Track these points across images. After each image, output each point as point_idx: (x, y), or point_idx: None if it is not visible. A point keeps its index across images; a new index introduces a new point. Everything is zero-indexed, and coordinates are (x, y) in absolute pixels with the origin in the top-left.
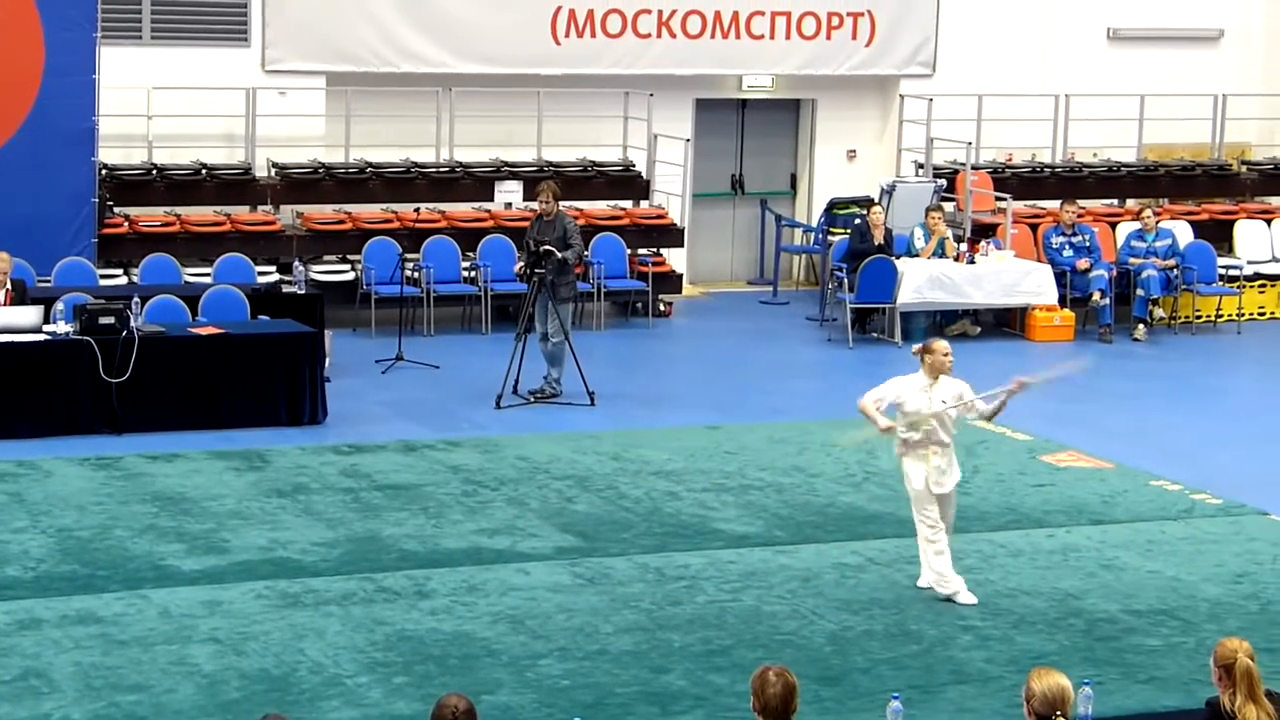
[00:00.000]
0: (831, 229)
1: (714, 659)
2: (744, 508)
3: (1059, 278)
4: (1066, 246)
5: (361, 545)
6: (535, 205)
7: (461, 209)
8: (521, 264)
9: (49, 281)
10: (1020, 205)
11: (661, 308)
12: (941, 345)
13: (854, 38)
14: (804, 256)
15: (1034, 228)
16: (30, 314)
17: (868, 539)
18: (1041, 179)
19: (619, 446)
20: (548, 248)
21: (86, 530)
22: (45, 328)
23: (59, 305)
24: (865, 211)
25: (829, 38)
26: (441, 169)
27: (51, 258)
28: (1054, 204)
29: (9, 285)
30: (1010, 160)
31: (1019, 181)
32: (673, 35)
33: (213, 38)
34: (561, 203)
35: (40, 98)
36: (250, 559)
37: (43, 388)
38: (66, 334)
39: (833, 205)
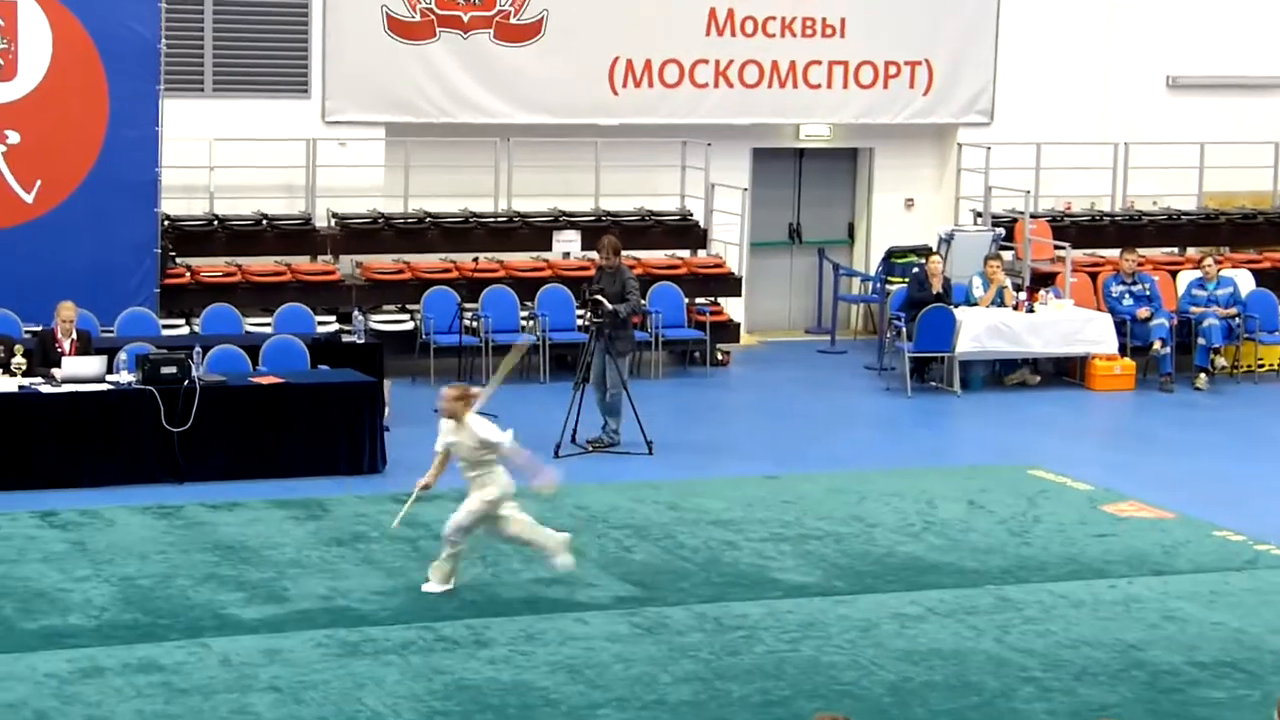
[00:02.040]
0: (890, 278)
1: (773, 709)
2: (802, 557)
3: (1119, 326)
4: (1126, 295)
5: (420, 594)
6: (595, 257)
7: (519, 259)
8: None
9: (112, 331)
10: (1079, 254)
11: (719, 357)
12: (442, 391)
13: (911, 86)
14: (862, 305)
15: (1094, 276)
16: (94, 364)
17: (927, 589)
18: (1101, 227)
19: (677, 496)
20: (596, 297)
21: (148, 579)
22: (109, 377)
23: (122, 355)
24: (924, 260)
25: (886, 87)
26: (500, 219)
27: (115, 308)
28: (1113, 252)
29: (74, 335)
30: (1069, 209)
31: (1078, 230)
32: (730, 85)
33: (273, 89)
34: (620, 253)
35: (104, 150)
36: (310, 607)
37: (106, 437)
38: (129, 384)
39: (891, 254)
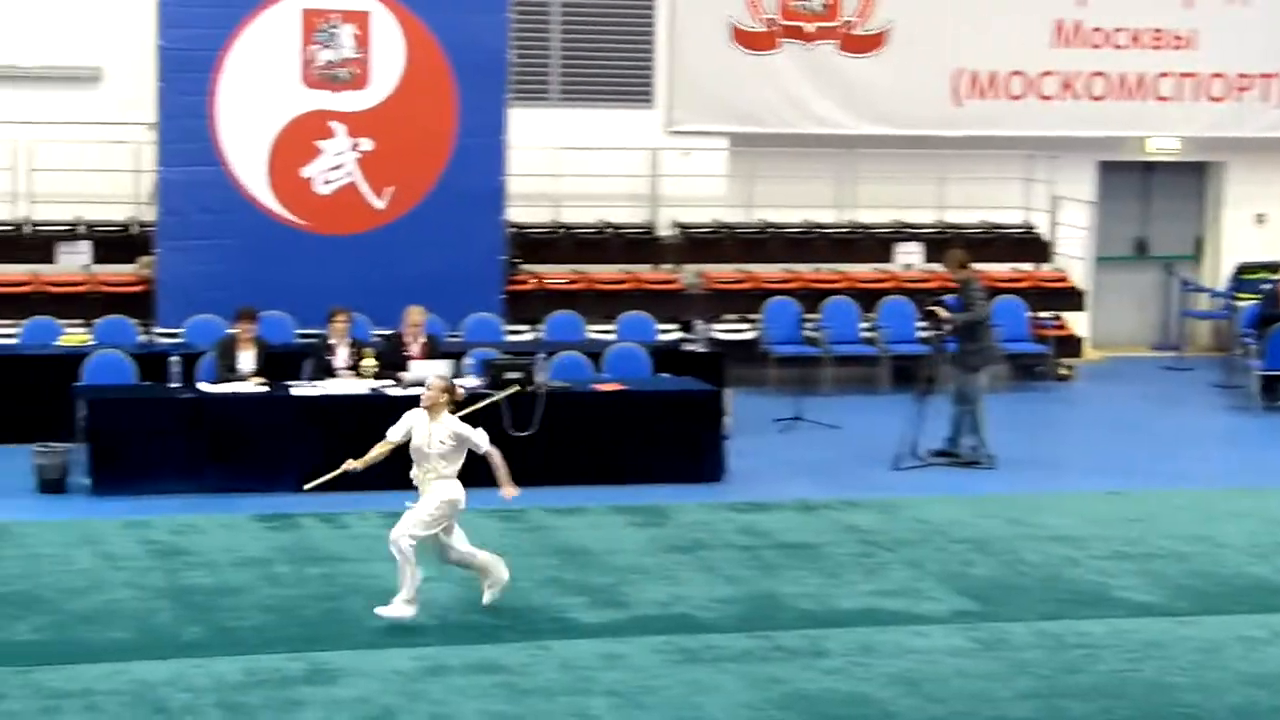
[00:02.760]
0: (1239, 294)
1: None
2: (1145, 576)
3: None
4: None
5: (759, 603)
6: (937, 269)
7: (861, 270)
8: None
9: (459, 336)
10: None
11: (1062, 371)
12: (430, 381)
13: (1265, 99)
14: (1210, 322)
15: None
16: (442, 367)
17: (1276, 612)
18: None
19: (1019, 511)
20: (930, 308)
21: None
22: (455, 381)
23: (468, 359)
24: (1276, 277)
25: (1239, 99)
26: (841, 229)
27: (461, 313)
28: None
29: (422, 339)
30: None
31: None
32: (1076, 97)
33: (618, 99)
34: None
35: (453, 158)
36: (649, 614)
37: None
38: (475, 388)
39: (1242, 270)
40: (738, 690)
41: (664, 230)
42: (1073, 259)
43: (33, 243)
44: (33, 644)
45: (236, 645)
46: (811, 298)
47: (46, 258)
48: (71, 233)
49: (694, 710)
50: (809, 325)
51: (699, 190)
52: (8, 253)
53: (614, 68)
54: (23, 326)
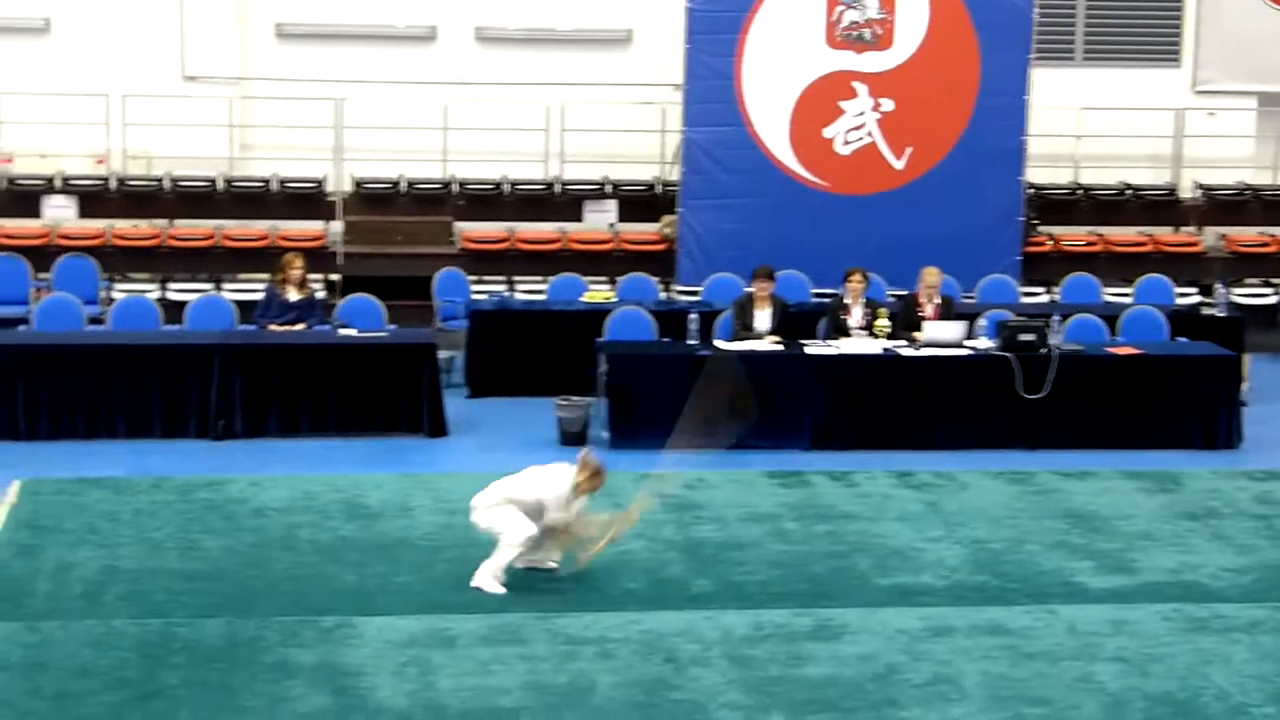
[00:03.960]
0: None
1: None
2: None
3: None
4: None
5: (1272, 573)
6: None
7: None
8: None
9: (973, 297)
10: None
11: None
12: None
13: None
14: None
15: None
16: (955, 329)
17: None
18: None
19: None
20: None
21: (999, 543)
22: (968, 342)
23: (982, 321)
24: None
25: None
26: None
27: (977, 274)
28: None
29: (937, 299)
30: None
31: None
32: None
33: (1143, 59)
34: None
35: (974, 118)
36: (1158, 580)
37: (963, 401)
38: (988, 349)
39: None
40: (1247, 661)
41: (1186, 192)
42: None
43: (562, 201)
44: (552, 591)
45: (744, 599)
46: None
47: (575, 216)
48: (599, 192)
49: (1201, 680)
50: None
51: (1224, 151)
52: (539, 211)
53: (1141, 26)
54: (550, 283)
